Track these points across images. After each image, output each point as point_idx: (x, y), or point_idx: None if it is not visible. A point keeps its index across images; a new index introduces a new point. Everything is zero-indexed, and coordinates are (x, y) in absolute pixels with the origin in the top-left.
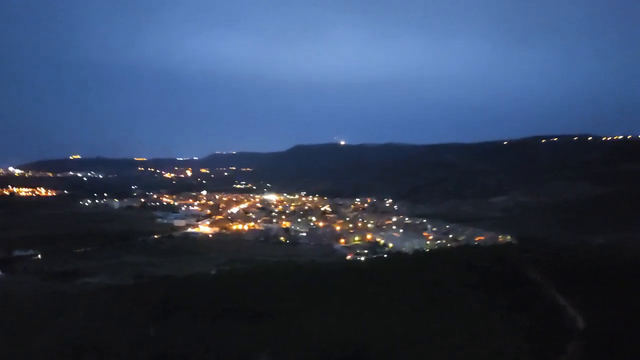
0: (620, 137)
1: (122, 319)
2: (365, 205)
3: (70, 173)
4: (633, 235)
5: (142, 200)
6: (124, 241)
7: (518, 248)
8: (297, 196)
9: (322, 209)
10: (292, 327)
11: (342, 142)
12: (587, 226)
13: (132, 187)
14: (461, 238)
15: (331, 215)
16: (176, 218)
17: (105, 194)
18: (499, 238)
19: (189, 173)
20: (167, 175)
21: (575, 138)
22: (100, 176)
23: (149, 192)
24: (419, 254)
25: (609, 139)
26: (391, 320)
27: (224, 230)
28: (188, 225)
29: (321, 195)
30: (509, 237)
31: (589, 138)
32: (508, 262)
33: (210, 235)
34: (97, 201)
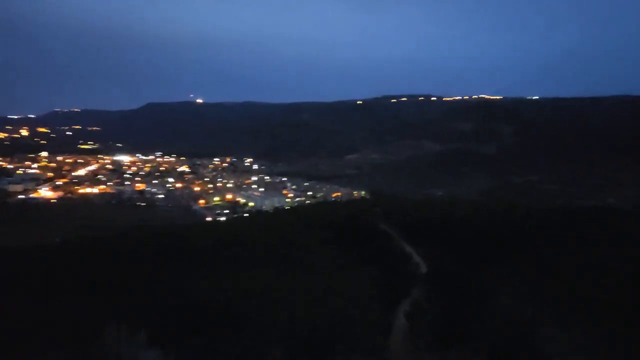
0: (459, 97)
1: None
2: (225, 165)
3: None
4: (467, 187)
5: None
6: None
7: (371, 203)
8: (152, 157)
9: (180, 169)
10: (148, 294)
11: (199, 101)
12: (430, 181)
13: None
14: (319, 195)
15: (189, 176)
16: (11, 183)
17: None
18: (354, 194)
19: (24, 133)
20: None
21: (420, 98)
22: None
23: None
24: (278, 212)
25: (449, 99)
26: (252, 279)
27: (69, 195)
28: (26, 191)
29: (178, 156)
30: (363, 193)
31: (433, 98)
32: (362, 217)
33: (53, 201)
34: None
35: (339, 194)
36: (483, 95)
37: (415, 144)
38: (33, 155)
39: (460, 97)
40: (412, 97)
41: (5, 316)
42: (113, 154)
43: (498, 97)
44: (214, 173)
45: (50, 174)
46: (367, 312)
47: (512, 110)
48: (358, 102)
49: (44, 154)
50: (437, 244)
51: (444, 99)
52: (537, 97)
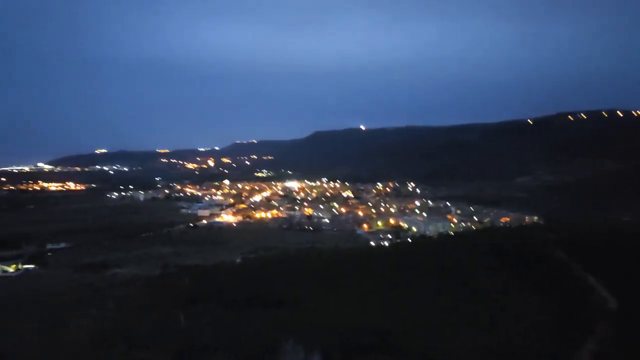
0: None
1: (151, 309)
2: (388, 189)
3: (97, 167)
4: None
5: (166, 191)
6: (150, 232)
7: (544, 228)
8: (318, 183)
9: (344, 194)
10: (316, 313)
11: (362, 127)
12: (613, 204)
13: (156, 178)
14: (486, 220)
15: (353, 201)
16: (200, 208)
17: (130, 187)
18: (525, 219)
19: (211, 163)
20: (190, 165)
21: (603, 114)
22: (126, 169)
23: (173, 183)
24: (443, 237)
25: (638, 113)
26: (416, 305)
27: (247, 219)
28: (212, 215)
29: (343, 181)
30: (535, 218)
31: (618, 113)
32: (535, 244)
33: (234, 224)
34: (123, 194)
35: (507, 219)
36: None
37: (595, 163)
38: (218, 183)
39: None
40: (593, 113)
41: (194, 326)
42: (284, 181)
43: None
44: (377, 198)
45: (231, 200)
46: (541, 345)
47: None
48: (528, 121)
49: (227, 181)
50: (628, 276)
51: (633, 112)
52: None
